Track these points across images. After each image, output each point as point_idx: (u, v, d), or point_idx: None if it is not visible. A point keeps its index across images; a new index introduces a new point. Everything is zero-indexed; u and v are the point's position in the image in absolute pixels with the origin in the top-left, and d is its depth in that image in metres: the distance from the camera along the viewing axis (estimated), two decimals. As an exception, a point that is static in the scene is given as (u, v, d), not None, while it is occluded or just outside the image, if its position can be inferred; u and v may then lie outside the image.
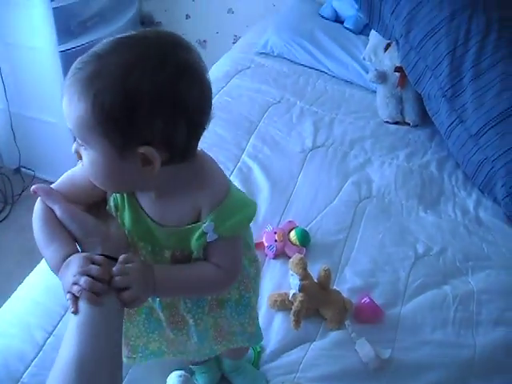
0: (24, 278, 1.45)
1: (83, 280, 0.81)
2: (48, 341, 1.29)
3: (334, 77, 2.51)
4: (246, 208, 0.91)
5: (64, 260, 0.85)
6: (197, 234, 0.88)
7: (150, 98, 0.75)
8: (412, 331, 1.48)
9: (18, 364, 1.23)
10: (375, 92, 2.39)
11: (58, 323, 1.32)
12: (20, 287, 1.43)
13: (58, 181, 0.95)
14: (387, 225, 1.79)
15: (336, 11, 2.71)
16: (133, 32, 0.81)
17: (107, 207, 0.94)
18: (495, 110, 1.95)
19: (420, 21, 2.12)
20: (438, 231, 1.81)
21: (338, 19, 2.72)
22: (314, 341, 1.42)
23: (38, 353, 1.26)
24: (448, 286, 1.62)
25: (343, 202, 1.84)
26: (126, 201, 0.91)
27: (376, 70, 2.30)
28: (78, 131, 0.79)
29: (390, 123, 2.29)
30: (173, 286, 0.92)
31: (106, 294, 0.82)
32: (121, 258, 0.85)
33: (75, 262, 0.83)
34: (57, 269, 0.85)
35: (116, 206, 0.93)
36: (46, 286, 1.41)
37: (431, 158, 2.15)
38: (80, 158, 0.85)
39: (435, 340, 1.46)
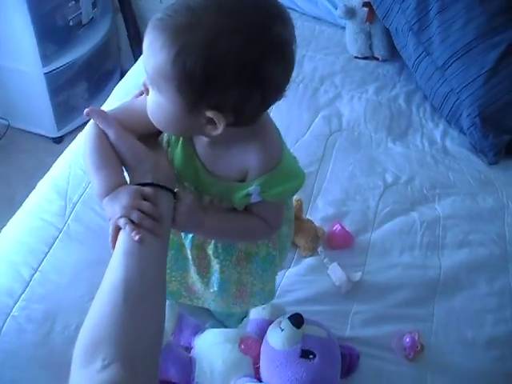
0: (4, 226, 1.48)
1: (136, 215, 0.81)
2: (34, 276, 1.34)
3: (303, 14, 2.51)
4: (294, 179, 0.91)
5: (112, 189, 0.85)
6: (241, 193, 0.90)
7: (233, 68, 0.73)
8: (381, 255, 1.55)
9: (7, 299, 1.28)
10: (344, 28, 2.40)
11: (43, 260, 1.37)
12: (4, 229, 1.47)
13: (113, 108, 0.94)
14: (357, 156, 1.85)
15: None
16: None
17: (159, 139, 0.95)
18: (460, 41, 1.99)
19: (386, -46, 2.13)
20: (406, 161, 1.87)
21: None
22: (289, 268, 1.48)
23: (26, 288, 1.31)
24: (415, 212, 1.70)
25: (314, 136, 1.89)
26: (180, 140, 0.91)
27: (344, 5, 2.30)
28: (153, 76, 0.78)
29: (360, 58, 2.32)
30: (220, 226, 0.95)
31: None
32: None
33: (126, 194, 0.83)
34: (102, 196, 0.85)
35: (168, 142, 0.93)
36: (28, 226, 1.46)
37: (400, 91, 2.19)
38: (146, 92, 0.84)
39: (403, 262, 1.54)
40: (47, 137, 2.75)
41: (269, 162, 0.88)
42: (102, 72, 2.92)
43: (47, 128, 2.74)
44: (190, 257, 1.04)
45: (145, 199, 0.84)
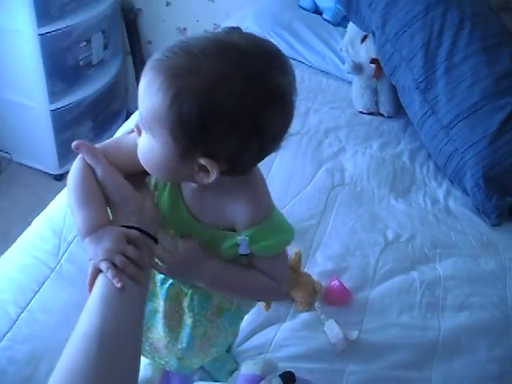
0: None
1: (119, 259, 0.79)
2: (21, 316, 1.30)
3: (311, 67, 2.53)
4: (284, 232, 0.89)
5: (95, 228, 0.82)
6: (229, 243, 0.88)
7: (231, 117, 0.71)
8: (379, 314, 1.51)
9: (-10, 338, 1.25)
10: (351, 83, 2.42)
11: (32, 300, 1.34)
12: (-6, 266, 1.44)
13: (103, 143, 0.91)
14: (359, 212, 1.83)
15: (315, 2, 2.73)
16: (227, 32, 0.76)
17: (146, 180, 0.92)
18: (466, 102, 1.99)
19: (396, 13, 2.16)
20: (407, 219, 1.85)
21: (316, 10, 2.74)
22: (284, 322, 1.45)
23: (12, 327, 1.28)
24: (416, 271, 1.66)
25: (316, 189, 1.87)
26: (168, 184, 0.89)
27: (352, 61, 2.33)
28: (147, 118, 0.75)
29: (365, 114, 2.33)
30: (226, 278, 0.92)
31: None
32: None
33: (111, 236, 0.80)
34: (85, 234, 0.82)
35: (155, 186, 0.90)
36: (20, 264, 1.43)
37: (404, 148, 2.19)
38: (138, 133, 0.82)
39: (401, 323, 1.50)
40: (48, 173, 2.75)
41: (259, 212, 0.86)
42: (108, 112, 2.95)
43: (49, 165, 2.74)
44: (161, 309, 0.99)
45: (129, 243, 0.81)
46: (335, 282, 1.52)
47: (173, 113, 0.71)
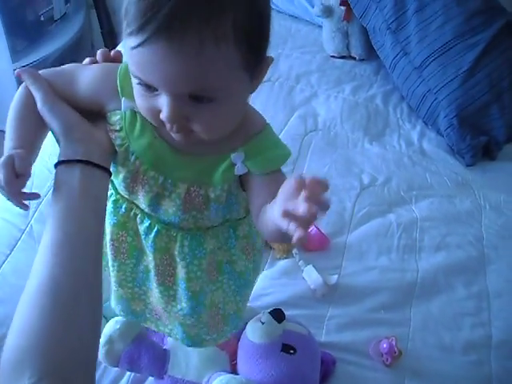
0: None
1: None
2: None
3: (279, 12, 2.48)
4: (280, 147, 0.82)
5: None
6: (223, 166, 0.79)
7: (269, 14, 0.70)
8: (357, 258, 1.52)
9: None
10: (321, 27, 2.37)
11: (4, 262, 1.31)
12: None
13: (50, 70, 0.83)
14: (333, 157, 1.81)
15: None
16: None
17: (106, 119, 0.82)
18: (438, 41, 1.97)
19: (364, -48, 2.10)
20: (382, 162, 1.85)
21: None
22: (263, 270, 1.44)
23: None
24: (392, 214, 1.66)
25: (289, 135, 1.85)
26: (138, 121, 0.79)
27: (322, 3, 2.28)
28: (209, 81, 0.66)
29: (336, 57, 2.30)
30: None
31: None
32: None
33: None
34: None
35: (121, 129, 0.80)
36: None
37: (377, 91, 2.17)
38: (183, 128, 0.71)
39: (380, 266, 1.51)
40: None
41: (253, 126, 0.79)
42: (74, 69, 2.86)
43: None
44: (152, 265, 0.90)
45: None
46: (312, 228, 1.50)
47: (239, 47, 0.65)
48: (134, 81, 0.70)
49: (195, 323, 0.97)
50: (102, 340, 1.07)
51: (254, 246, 0.96)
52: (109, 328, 1.11)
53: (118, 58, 0.89)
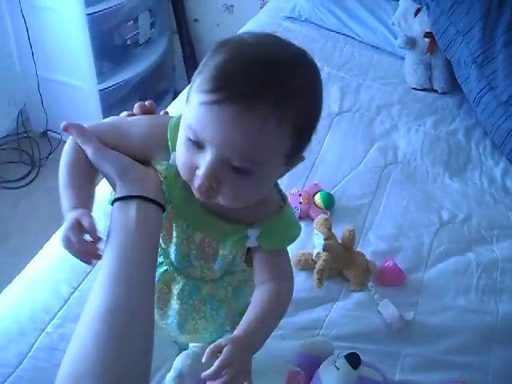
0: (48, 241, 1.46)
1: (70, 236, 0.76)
2: (73, 295, 1.31)
3: (361, 42, 2.47)
4: (292, 229, 0.92)
5: (68, 212, 0.80)
6: (238, 235, 0.87)
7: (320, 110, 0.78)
8: (434, 296, 1.47)
9: (43, 315, 1.25)
10: (403, 58, 2.35)
11: (84, 279, 1.34)
12: (47, 244, 1.45)
13: (96, 124, 0.88)
14: (412, 191, 1.78)
15: (366, -24, 2.66)
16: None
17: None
18: (527, 77, 1.91)
19: (452, -16, 2.07)
20: (463, 199, 1.79)
21: (367, -16, 2.66)
22: (337, 301, 1.42)
23: (63, 306, 1.28)
24: (472, 253, 1.61)
25: (368, 168, 1.83)
26: (179, 177, 0.82)
27: (405, 35, 2.26)
28: (257, 156, 0.71)
29: (418, 90, 2.26)
30: (261, 332, 0.84)
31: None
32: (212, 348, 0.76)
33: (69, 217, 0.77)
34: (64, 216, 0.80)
35: (165, 178, 0.85)
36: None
37: (459, 125, 2.11)
38: (210, 189, 0.75)
39: (458, 305, 1.45)
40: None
41: (273, 201, 0.88)
42: (155, 91, 2.95)
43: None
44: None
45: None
46: (389, 262, 1.48)
47: (292, 136, 0.73)
48: (184, 134, 0.75)
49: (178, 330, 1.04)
50: (172, 374, 1.07)
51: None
52: (179, 362, 1.09)
53: (152, 110, 0.95)
